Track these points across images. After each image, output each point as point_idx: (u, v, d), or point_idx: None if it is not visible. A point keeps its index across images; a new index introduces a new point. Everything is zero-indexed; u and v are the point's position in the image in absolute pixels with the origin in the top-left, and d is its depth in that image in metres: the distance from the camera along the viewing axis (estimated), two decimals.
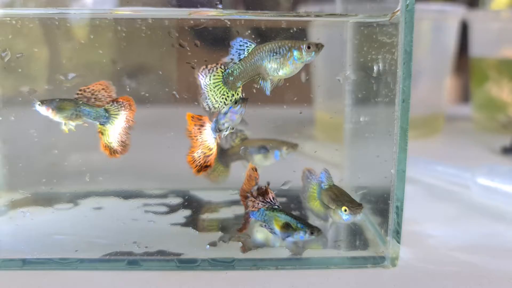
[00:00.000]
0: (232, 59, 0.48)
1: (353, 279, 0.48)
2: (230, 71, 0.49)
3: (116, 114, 0.49)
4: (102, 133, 0.49)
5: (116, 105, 0.49)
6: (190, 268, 0.49)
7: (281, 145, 0.57)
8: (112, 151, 0.50)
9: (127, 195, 0.62)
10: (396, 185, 0.48)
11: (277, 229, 0.49)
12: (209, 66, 0.48)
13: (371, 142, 0.59)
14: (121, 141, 0.50)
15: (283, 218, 0.50)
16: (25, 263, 0.49)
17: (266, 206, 0.50)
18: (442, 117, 1.11)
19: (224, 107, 0.48)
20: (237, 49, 0.48)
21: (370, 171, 0.59)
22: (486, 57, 1.13)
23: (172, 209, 0.61)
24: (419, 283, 0.47)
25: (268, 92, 0.49)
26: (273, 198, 0.51)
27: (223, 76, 0.49)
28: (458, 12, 1.05)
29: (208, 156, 0.50)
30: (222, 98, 0.49)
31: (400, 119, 0.47)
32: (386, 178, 0.49)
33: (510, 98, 1.10)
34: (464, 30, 1.16)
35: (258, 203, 0.51)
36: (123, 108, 0.49)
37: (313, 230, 0.48)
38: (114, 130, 0.50)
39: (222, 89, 0.49)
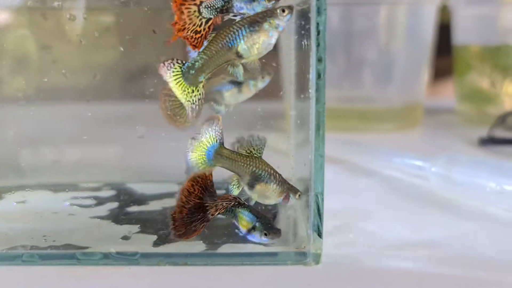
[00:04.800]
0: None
1: (268, 277, 0.43)
2: (189, 64, 0.43)
3: None
4: None
5: None
6: (91, 263, 0.45)
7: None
8: None
9: (58, 189, 0.59)
10: (314, 171, 0.43)
11: (240, 226, 0.44)
12: (166, 62, 0.43)
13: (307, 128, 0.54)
14: None
15: (245, 215, 0.44)
16: None
17: (232, 204, 0.44)
18: (421, 108, 1.05)
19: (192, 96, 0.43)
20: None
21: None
22: (469, 45, 1.07)
23: (100, 201, 0.57)
24: (341, 284, 0.42)
25: (240, 78, 0.44)
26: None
27: (182, 71, 0.43)
28: None
29: (198, 38, 0.42)
30: (184, 95, 0.43)
31: (316, 98, 0.42)
32: (305, 165, 0.44)
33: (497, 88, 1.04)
34: (446, 30, 1.10)
35: (221, 206, 0.44)
36: None
37: (269, 232, 0.43)
38: None
39: (183, 85, 0.43)
